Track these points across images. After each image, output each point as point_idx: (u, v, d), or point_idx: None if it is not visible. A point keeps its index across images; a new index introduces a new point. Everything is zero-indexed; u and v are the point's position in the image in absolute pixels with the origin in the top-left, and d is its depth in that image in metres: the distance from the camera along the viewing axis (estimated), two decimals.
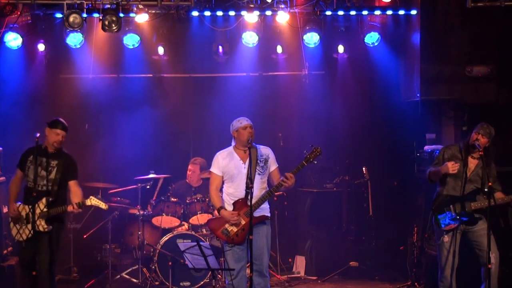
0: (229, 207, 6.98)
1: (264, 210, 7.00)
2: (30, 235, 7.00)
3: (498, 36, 9.19)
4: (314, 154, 6.81)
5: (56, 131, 7.10)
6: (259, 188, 6.95)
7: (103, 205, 7.12)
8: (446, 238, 7.14)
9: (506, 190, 7.14)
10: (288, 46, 9.95)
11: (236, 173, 6.96)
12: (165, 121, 10.25)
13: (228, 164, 7.00)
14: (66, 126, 7.18)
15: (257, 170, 6.94)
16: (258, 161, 6.96)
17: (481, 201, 7.08)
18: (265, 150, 7.08)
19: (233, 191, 6.99)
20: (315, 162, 6.85)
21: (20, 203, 7.15)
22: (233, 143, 7.09)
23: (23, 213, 7.09)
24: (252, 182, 6.68)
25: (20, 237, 7.10)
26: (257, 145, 7.03)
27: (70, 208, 7.00)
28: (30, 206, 7.01)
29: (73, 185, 7.17)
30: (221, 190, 7.15)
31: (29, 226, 7.01)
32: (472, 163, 7.15)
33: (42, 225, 6.99)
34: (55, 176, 7.07)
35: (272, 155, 7.11)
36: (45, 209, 6.99)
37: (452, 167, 6.99)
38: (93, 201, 7.03)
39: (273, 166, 7.09)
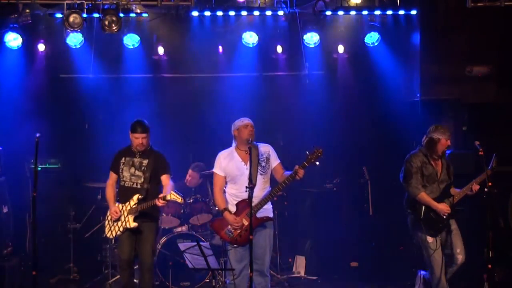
0: (232, 208, 7.01)
1: (267, 210, 7.01)
2: (119, 232, 7.29)
3: (498, 36, 9.20)
4: (316, 155, 6.82)
5: (135, 136, 7.35)
6: (261, 188, 6.95)
7: (179, 199, 7.18)
8: (430, 239, 7.18)
9: (506, 190, 7.17)
10: (288, 46, 9.95)
11: (239, 175, 6.96)
12: (165, 121, 10.22)
13: (229, 165, 7.01)
14: (146, 127, 7.37)
15: (259, 170, 6.95)
16: (260, 161, 6.97)
17: (457, 193, 7.25)
18: (265, 148, 7.08)
19: (235, 192, 7.01)
20: (317, 163, 6.85)
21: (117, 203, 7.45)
22: (234, 144, 7.09)
23: None
24: (251, 182, 6.68)
25: (110, 234, 7.37)
26: (257, 143, 7.04)
27: (158, 203, 7.14)
28: (123, 205, 7.33)
29: (164, 179, 7.39)
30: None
31: (119, 223, 7.31)
32: (438, 165, 7.31)
33: (129, 222, 7.26)
34: (146, 175, 7.33)
35: (272, 152, 7.12)
36: (134, 206, 7.26)
37: (447, 211, 7.16)
38: (172, 196, 7.11)
39: (275, 162, 7.10)
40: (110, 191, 7.51)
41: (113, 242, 7.46)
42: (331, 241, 9.80)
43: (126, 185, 7.40)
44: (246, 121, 7.01)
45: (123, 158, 7.45)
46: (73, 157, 9.82)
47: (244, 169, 6.94)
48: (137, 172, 7.37)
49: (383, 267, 9.63)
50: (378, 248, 9.69)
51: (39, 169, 7.11)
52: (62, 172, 9.71)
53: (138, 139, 7.32)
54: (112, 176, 7.53)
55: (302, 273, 9.69)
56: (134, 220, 7.25)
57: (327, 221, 9.81)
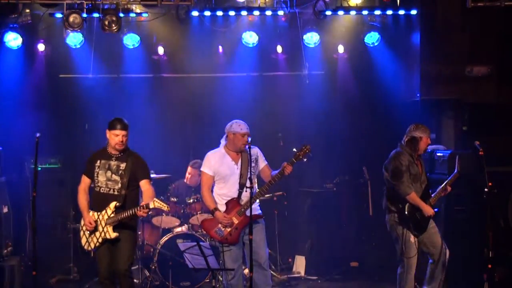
0: (222, 207, 7.03)
1: (254, 209, 7.00)
2: (97, 243, 6.79)
3: (498, 36, 9.20)
4: (304, 151, 6.87)
5: (115, 132, 6.78)
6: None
7: (165, 207, 6.64)
8: (413, 239, 7.17)
9: (506, 190, 7.17)
10: (288, 46, 9.96)
11: (229, 174, 7.00)
12: (164, 121, 10.26)
13: (220, 165, 7.04)
14: (126, 124, 6.83)
15: (250, 171, 6.98)
16: (251, 162, 7.00)
17: (436, 194, 7.31)
18: (253, 150, 7.10)
19: (226, 192, 7.04)
20: (305, 159, 6.90)
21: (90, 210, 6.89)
22: (223, 143, 7.12)
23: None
24: (251, 182, 6.72)
25: (88, 246, 6.84)
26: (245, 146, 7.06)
27: (138, 213, 6.65)
28: (98, 213, 6.80)
29: (143, 184, 6.84)
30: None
31: (97, 234, 6.78)
32: (419, 165, 7.34)
33: (109, 232, 6.74)
34: (123, 180, 6.77)
35: (260, 153, 7.19)
36: (112, 215, 6.74)
37: (432, 213, 7.19)
38: (156, 203, 6.58)
39: (263, 163, 7.17)
40: (83, 198, 6.91)
41: (92, 255, 6.93)
42: (331, 241, 9.81)
43: (101, 191, 6.82)
44: (245, 129, 6.99)
45: (98, 161, 6.87)
46: (73, 157, 9.80)
47: (235, 169, 7.00)
48: (114, 177, 6.79)
49: (383, 267, 9.63)
50: (378, 248, 9.70)
51: (39, 169, 7.12)
52: (62, 172, 9.71)
53: (118, 137, 6.74)
54: (85, 180, 6.96)
55: (302, 273, 9.70)
56: (114, 230, 6.73)
57: (327, 221, 9.81)
